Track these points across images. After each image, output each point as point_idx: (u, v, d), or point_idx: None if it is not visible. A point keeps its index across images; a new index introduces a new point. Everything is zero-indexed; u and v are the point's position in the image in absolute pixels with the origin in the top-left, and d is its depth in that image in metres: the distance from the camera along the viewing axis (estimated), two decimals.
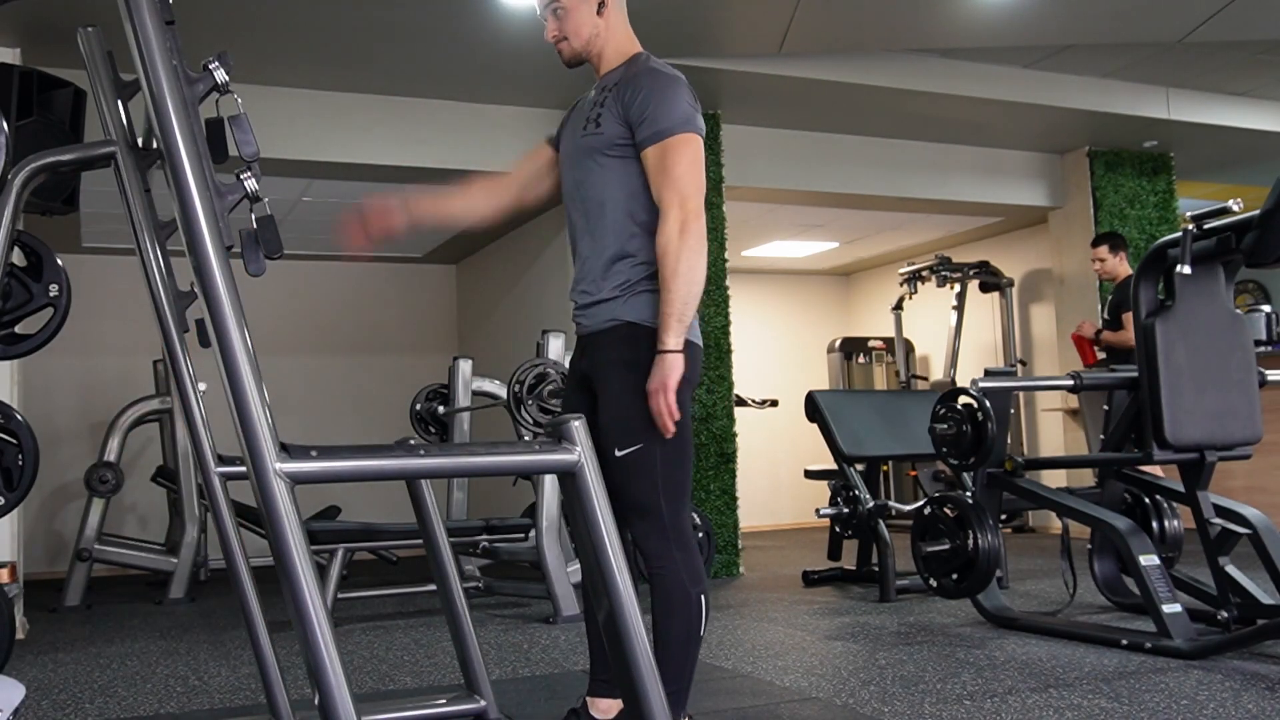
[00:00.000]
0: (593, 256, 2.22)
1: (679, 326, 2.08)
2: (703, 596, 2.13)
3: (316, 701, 1.36)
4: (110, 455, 5.46)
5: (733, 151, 5.91)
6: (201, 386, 2.00)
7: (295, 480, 1.38)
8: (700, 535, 4.85)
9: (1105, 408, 3.96)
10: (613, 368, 2.17)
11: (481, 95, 5.56)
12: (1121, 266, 5.76)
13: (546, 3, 2.25)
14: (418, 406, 5.78)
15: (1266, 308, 4.04)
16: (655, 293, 2.14)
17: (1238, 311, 3.49)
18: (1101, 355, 5.75)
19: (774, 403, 7.06)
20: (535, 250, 6.82)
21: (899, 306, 8.39)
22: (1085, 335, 5.78)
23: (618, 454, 2.11)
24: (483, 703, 2.39)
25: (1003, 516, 4.14)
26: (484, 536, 4.80)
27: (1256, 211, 3.13)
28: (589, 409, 2.20)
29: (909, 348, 8.68)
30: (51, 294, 2.26)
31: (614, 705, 2.28)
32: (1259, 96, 6.48)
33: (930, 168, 6.67)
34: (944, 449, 3.85)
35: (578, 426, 1.59)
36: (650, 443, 2.11)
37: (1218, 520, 3.35)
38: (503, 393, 5.12)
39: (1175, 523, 3.89)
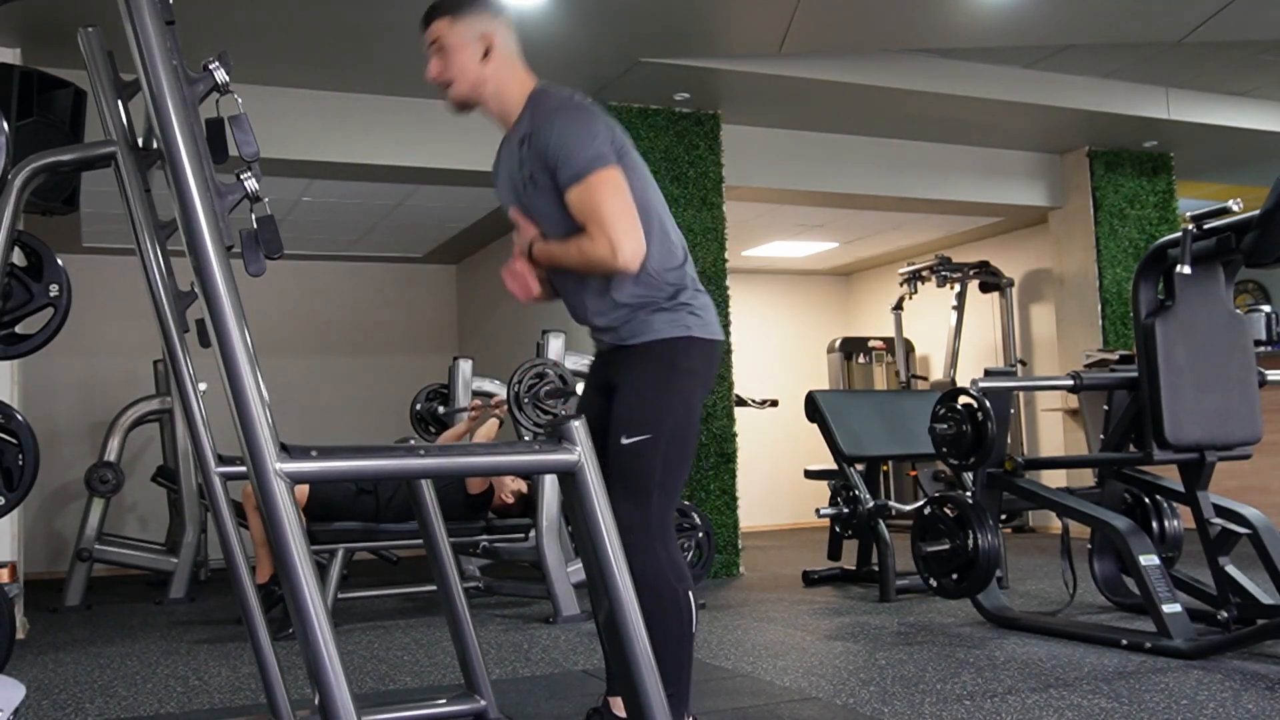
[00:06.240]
0: (578, 289, 2.23)
1: (546, 251, 2.17)
2: (689, 593, 2.12)
3: (316, 701, 1.36)
4: (110, 455, 5.46)
5: (733, 151, 5.91)
6: (201, 386, 2.00)
7: (295, 480, 1.38)
8: (700, 535, 4.84)
9: (1105, 408, 3.96)
10: (636, 364, 2.18)
11: None
12: None
13: (429, 41, 2.22)
14: (418, 406, 5.77)
15: (1266, 308, 4.04)
16: (666, 310, 2.16)
17: (1238, 311, 3.49)
18: None
19: (774, 403, 7.05)
20: None
21: (899, 306, 8.39)
22: None
23: (624, 441, 2.11)
24: (483, 703, 2.39)
25: (1003, 516, 4.13)
26: (484, 536, 4.80)
27: (1256, 211, 3.13)
28: (603, 409, 2.20)
29: (909, 348, 8.67)
30: (51, 294, 2.26)
31: None
32: (1259, 96, 6.48)
33: (930, 168, 6.67)
34: (944, 449, 3.85)
35: (577, 426, 1.59)
36: (657, 437, 2.11)
37: (1218, 520, 3.35)
38: (502, 393, 5.12)
39: (1175, 523, 3.89)
